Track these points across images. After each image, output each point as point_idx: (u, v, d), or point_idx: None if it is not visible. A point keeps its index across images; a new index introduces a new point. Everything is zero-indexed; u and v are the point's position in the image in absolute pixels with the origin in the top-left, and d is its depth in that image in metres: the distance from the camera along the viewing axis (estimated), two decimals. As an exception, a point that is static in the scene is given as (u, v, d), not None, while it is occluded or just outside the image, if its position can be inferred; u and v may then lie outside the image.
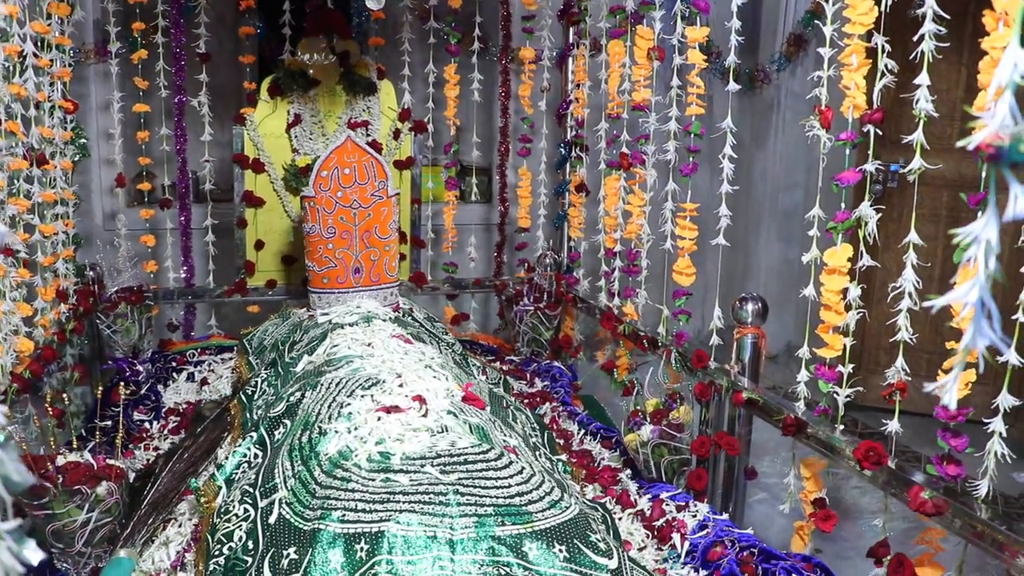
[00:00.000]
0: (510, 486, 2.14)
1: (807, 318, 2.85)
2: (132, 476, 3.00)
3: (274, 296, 4.63)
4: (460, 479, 2.11)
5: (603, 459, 3.45)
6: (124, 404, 3.39)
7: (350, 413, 2.38)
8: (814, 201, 2.83)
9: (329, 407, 2.49)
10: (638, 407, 3.33)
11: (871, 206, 2.57)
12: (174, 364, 4.31)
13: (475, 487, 2.11)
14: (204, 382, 4.12)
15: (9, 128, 3.15)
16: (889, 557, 2.43)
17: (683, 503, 3.00)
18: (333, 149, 3.61)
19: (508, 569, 1.93)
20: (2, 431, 0.78)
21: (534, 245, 5.03)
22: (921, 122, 2.37)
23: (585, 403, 4.16)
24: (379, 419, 2.31)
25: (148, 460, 3.27)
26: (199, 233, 4.81)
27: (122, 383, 3.14)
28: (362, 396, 2.47)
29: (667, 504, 3.01)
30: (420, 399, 2.41)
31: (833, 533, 3.08)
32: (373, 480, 2.11)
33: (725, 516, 2.97)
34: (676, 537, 2.83)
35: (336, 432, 2.31)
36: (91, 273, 4.26)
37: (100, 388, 3.38)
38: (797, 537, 2.93)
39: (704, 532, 2.84)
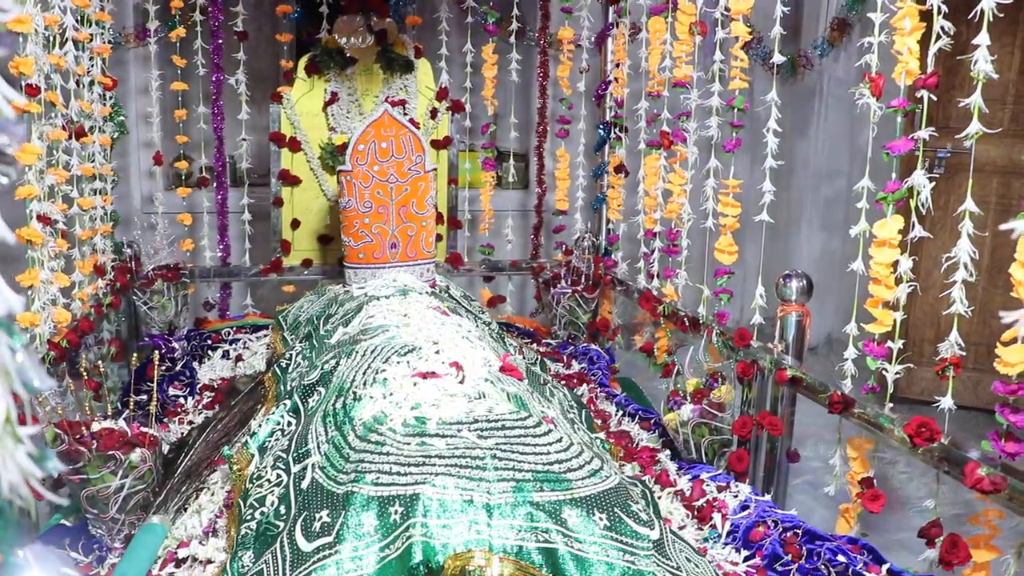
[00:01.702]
0: (549, 453, 2.08)
1: (855, 294, 2.76)
2: (166, 448, 2.99)
3: (310, 275, 4.60)
4: (498, 444, 2.06)
5: (641, 440, 3.38)
6: (159, 380, 3.39)
7: (385, 379, 2.34)
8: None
9: (364, 373, 2.44)
10: (678, 387, 3.26)
11: (925, 175, 2.48)
12: (209, 342, 4.31)
13: (513, 453, 2.05)
14: (239, 359, 4.11)
15: (49, 98, 3.14)
16: (942, 538, 2.34)
17: (724, 484, 2.93)
18: (370, 123, 3.58)
19: (547, 536, 1.87)
20: (24, 333, 0.73)
21: (572, 228, 4.97)
22: (979, 84, 2.27)
23: (623, 385, 4.09)
24: (415, 384, 2.26)
25: (182, 433, 3.26)
26: (235, 216, 4.80)
27: (157, 356, 3.11)
28: (398, 362, 2.42)
29: (707, 484, 2.93)
30: (457, 366, 2.36)
31: (879, 522, 3.00)
32: (408, 444, 2.06)
33: (767, 497, 2.90)
34: (717, 517, 2.76)
35: (371, 398, 2.27)
36: (128, 251, 4.27)
37: (136, 364, 3.38)
38: (843, 520, 2.84)
39: (746, 513, 2.77)
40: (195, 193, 4.74)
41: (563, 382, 3.72)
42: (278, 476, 2.25)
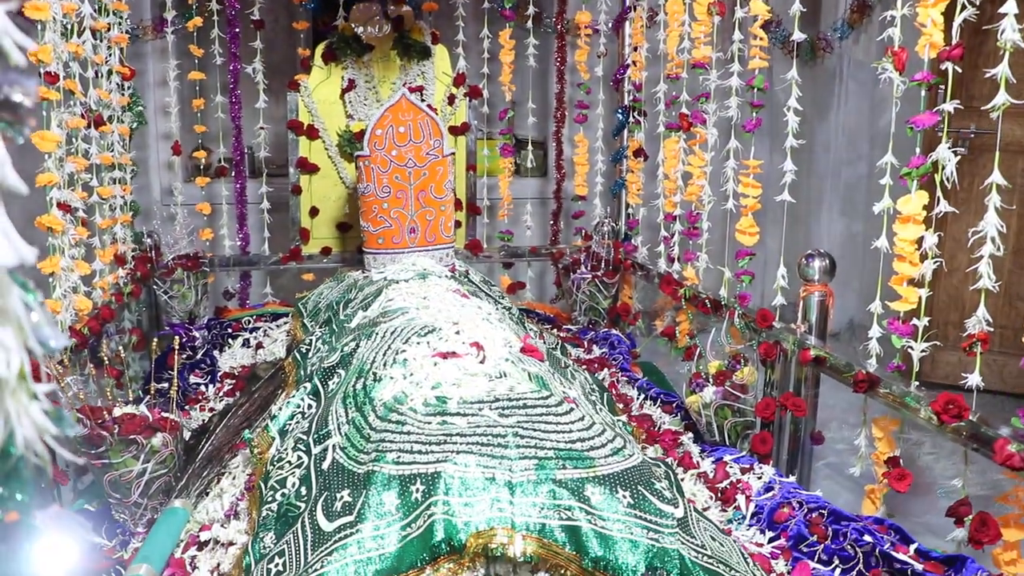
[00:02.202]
0: (571, 431, 2.06)
1: (878, 274, 2.73)
2: (188, 434, 2.99)
3: (329, 264, 4.60)
4: (519, 422, 2.04)
5: (663, 423, 3.35)
6: (180, 368, 3.39)
7: (405, 360, 2.32)
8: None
9: (384, 354, 2.43)
10: (700, 369, 3.23)
11: (949, 148, 2.44)
12: (230, 331, 4.31)
13: (535, 431, 2.03)
14: (259, 346, 4.11)
15: (67, 86, 3.14)
16: (971, 516, 2.31)
17: (747, 466, 2.90)
18: (388, 107, 3.56)
19: (570, 513, 1.85)
20: (34, 291, 0.72)
21: (591, 214, 4.94)
22: (1007, 54, 2.23)
23: (644, 370, 4.07)
24: (435, 364, 2.24)
25: (203, 420, 3.26)
26: (254, 207, 4.81)
27: (178, 342, 3.11)
28: (418, 343, 2.41)
29: (731, 467, 2.91)
30: (478, 346, 2.34)
31: (905, 506, 2.96)
32: (429, 423, 2.04)
33: (791, 479, 2.87)
34: (741, 499, 2.73)
35: (391, 378, 2.25)
36: (148, 240, 4.28)
37: (156, 352, 3.38)
38: (868, 501, 2.81)
39: (770, 494, 2.74)
40: (214, 184, 4.75)
41: (584, 367, 3.70)
42: (299, 458, 2.24)
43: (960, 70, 2.40)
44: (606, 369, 3.87)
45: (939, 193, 2.46)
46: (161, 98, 4.85)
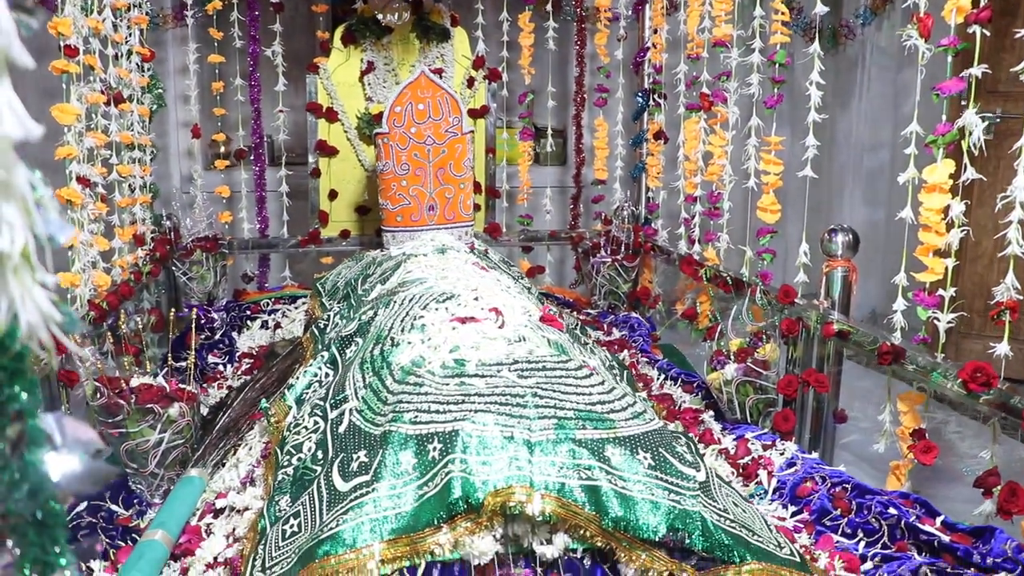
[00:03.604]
0: (591, 394, 2.03)
1: (903, 244, 2.68)
2: (205, 411, 2.98)
3: (348, 246, 4.59)
4: (538, 383, 2.01)
5: (684, 402, 3.32)
6: (198, 347, 3.39)
7: (423, 325, 2.30)
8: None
9: (402, 321, 2.41)
10: (721, 347, 3.19)
11: (976, 114, 2.39)
12: (248, 313, 4.31)
13: (554, 392, 2.00)
14: (277, 326, 4.11)
15: (87, 62, 3.14)
16: (1000, 487, 2.26)
17: (769, 442, 2.86)
18: (407, 84, 3.55)
19: (589, 473, 1.81)
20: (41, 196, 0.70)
21: (611, 198, 4.91)
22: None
23: (665, 352, 4.03)
24: (454, 329, 2.22)
25: (221, 397, 3.25)
26: (274, 195, 4.81)
27: (195, 317, 3.10)
28: (436, 309, 2.39)
29: (752, 443, 2.87)
30: (497, 311, 2.31)
31: (929, 486, 2.90)
32: (447, 384, 2.02)
33: (814, 455, 2.83)
34: (763, 474, 2.69)
35: (409, 343, 2.23)
36: (168, 223, 4.28)
37: (175, 333, 3.38)
38: (893, 477, 2.77)
39: (792, 470, 2.70)
40: (233, 171, 4.76)
41: (603, 348, 3.67)
42: (315, 423, 2.22)
43: (988, 33, 2.35)
44: (626, 351, 3.83)
45: (966, 160, 2.42)
46: (181, 86, 4.86)
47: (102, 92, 3.31)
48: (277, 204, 4.79)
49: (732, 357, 3.12)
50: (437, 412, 1.94)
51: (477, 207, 4.54)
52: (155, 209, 4.28)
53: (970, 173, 2.42)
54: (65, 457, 0.83)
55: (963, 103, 2.46)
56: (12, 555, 0.84)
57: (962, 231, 2.47)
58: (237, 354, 3.82)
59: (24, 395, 0.77)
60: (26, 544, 0.83)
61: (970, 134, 2.39)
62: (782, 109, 3.34)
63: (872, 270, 5.36)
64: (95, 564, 2.22)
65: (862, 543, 2.32)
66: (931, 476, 2.97)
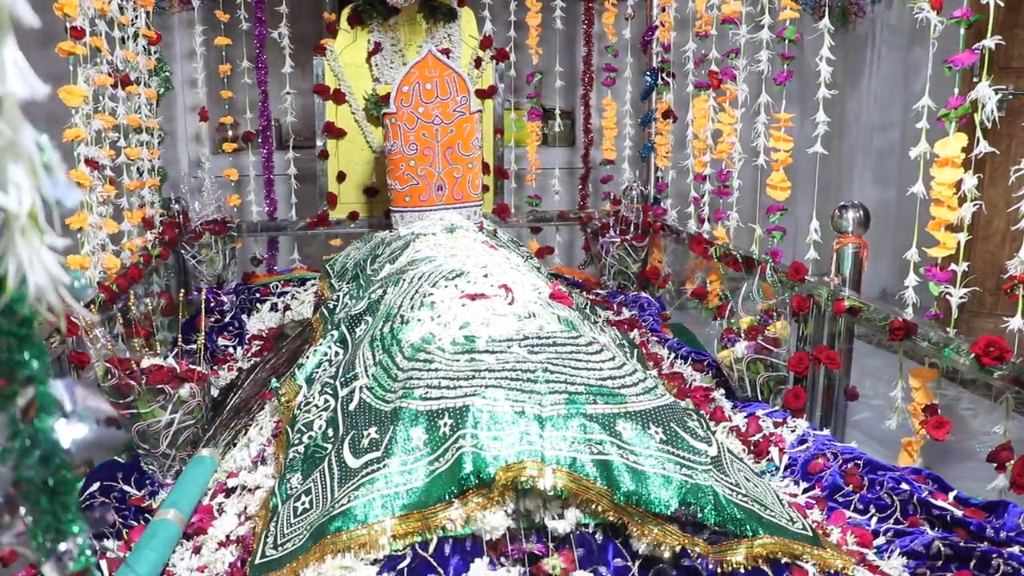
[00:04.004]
0: (602, 369, 2.02)
1: (915, 215, 2.66)
2: (216, 392, 2.99)
3: (356, 228, 4.58)
4: (549, 359, 2.01)
5: (694, 381, 3.31)
6: (208, 330, 3.39)
7: (433, 302, 2.30)
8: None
9: (412, 298, 2.41)
10: (732, 325, 3.18)
11: (990, 86, 2.36)
12: (257, 295, 4.31)
13: (565, 367, 2.00)
14: (287, 309, 4.11)
15: (94, 43, 3.14)
16: (1013, 461, 2.25)
17: (780, 420, 2.85)
18: (414, 64, 3.53)
19: (601, 447, 1.81)
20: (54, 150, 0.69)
21: (619, 178, 4.89)
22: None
23: (675, 331, 4.02)
24: (463, 306, 2.21)
25: (232, 378, 3.26)
26: (282, 179, 4.81)
27: (204, 295, 3.10)
28: (446, 286, 2.38)
29: (763, 420, 2.86)
30: (506, 288, 2.31)
31: (940, 465, 2.89)
32: (457, 360, 2.02)
33: (826, 432, 2.82)
34: (774, 451, 2.68)
35: (419, 320, 2.23)
36: (176, 206, 4.28)
37: (185, 316, 3.38)
38: (905, 454, 2.75)
39: (804, 447, 2.69)
40: (241, 156, 4.75)
41: (613, 327, 3.66)
42: (325, 401, 2.22)
43: (1001, 3, 2.32)
44: (636, 330, 3.83)
45: (979, 133, 2.39)
46: (188, 70, 4.85)
47: (109, 75, 3.31)
48: (285, 187, 4.79)
49: (742, 335, 3.11)
50: (447, 388, 1.93)
51: (486, 188, 4.53)
52: (163, 193, 4.28)
53: (983, 146, 2.39)
54: (75, 424, 0.83)
55: (975, 79, 2.43)
56: (24, 524, 0.84)
57: (975, 205, 2.45)
58: (247, 336, 3.82)
59: (34, 362, 0.77)
60: (38, 511, 0.83)
61: (983, 107, 2.37)
62: (791, 88, 3.32)
63: (882, 250, 5.33)
64: (109, 543, 2.23)
65: (874, 519, 2.32)
66: (942, 454, 2.95)
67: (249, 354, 3.61)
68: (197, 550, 2.18)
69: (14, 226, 0.66)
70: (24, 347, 0.75)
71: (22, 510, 0.84)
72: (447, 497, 1.75)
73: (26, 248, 0.67)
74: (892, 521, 2.30)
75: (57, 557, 0.86)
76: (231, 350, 3.67)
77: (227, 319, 3.97)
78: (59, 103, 2.90)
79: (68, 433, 0.82)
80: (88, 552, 0.88)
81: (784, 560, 1.82)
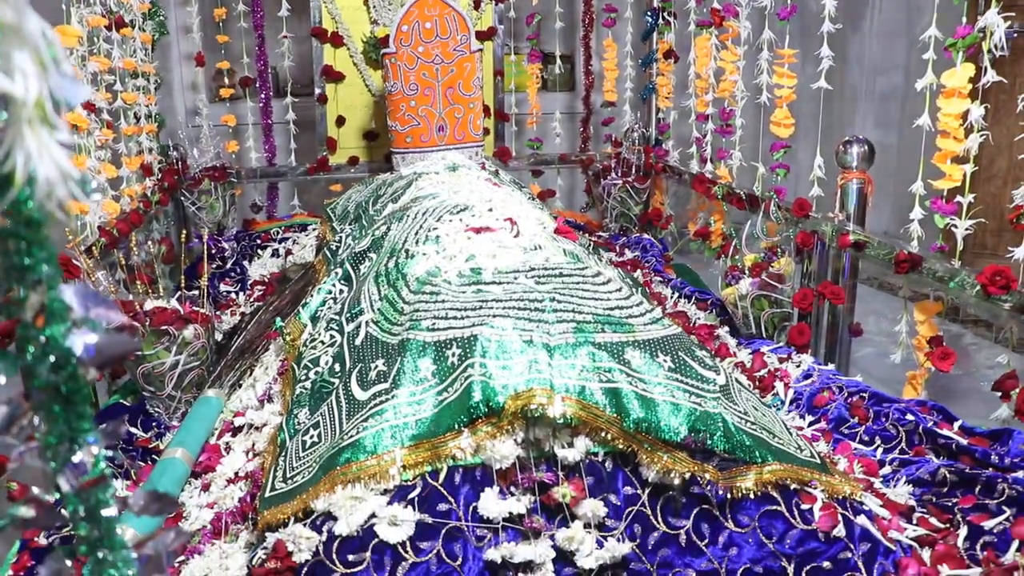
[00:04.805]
0: (609, 299, 2.02)
1: (921, 148, 2.64)
2: (220, 336, 2.98)
3: (356, 173, 4.55)
4: (556, 289, 2.00)
5: (698, 319, 3.31)
6: (210, 276, 3.38)
7: (438, 237, 2.28)
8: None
9: (416, 233, 2.39)
10: (736, 262, 3.17)
11: (998, 13, 2.33)
12: (259, 242, 4.29)
13: (572, 297, 1.99)
14: (288, 253, 4.09)
15: (86, -17, 3.09)
16: (1018, 389, 2.25)
17: (785, 355, 2.85)
18: (413, 2, 3.48)
19: (609, 375, 1.80)
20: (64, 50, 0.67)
21: (621, 120, 4.85)
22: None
23: (678, 271, 4.01)
24: (469, 239, 2.20)
25: (235, 323, 3.25)
26: (280, 127, 4.76)
27: (207, 238, 3.09)
28: (450, 220, 2.36)
29: (768, 356, 2.86)
30: (512, 221, 2.29)
31: (944, 398, 2.90)
32: (464, 292, 2.01)
33: (831, 367, 2.82)
34: (779, 385, 2.68)
35: (424, 255, 2.22)
36: (175, 153, 4.25)
37: (186, 263, 3.37)
38: (909, 387, 2.76)
39: (808, 381, 2.69)
40: (238, 105, 4.70)
41: (616, 268, 3.65)
42: (331, 337, 2.21)
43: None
44: (639, 271, 3.81)
45: (986, 62, 2.36)
46: (183, 17, 4.78)
47: (103, 16, 3.26)
48: (284, 136, 4.75)
49: (747, 272, 3.10)
50: (455, 319, 1.93)
51: (486, 131, 4.49)
52: (161, 141, 4.25)
53: (991, 75, 2.37)
54: (86, 331, 0.81)
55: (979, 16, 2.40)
56: (36, 436, 0.83)
57: (981, 136, 2.43)
58: (249, 282, 3.81)
59: (43, 265, 0.75)
60: (52, 420, 0.82)
61: (991, 35, 2.34)
62: (791, 29, 3.27)
63: (884, 193, 5.30)
64: (118, 483, 2.23)
65: (880, 449, 2.32)
66: (945, 387, 2.96)
67: (252, 299, 3.60)
68: (206, 487, 2.19)
69: (21, 116, 0.64)
70: (33, 250, 0.74)
71: (35, 420, 0.83)
72: (456, 426, 1.74)
73: (34, 140, 0.65)
74: (897, 451, 2.30)
75: (72, 467, 0.85)
76: (233, 295, 3.66)
77: (228, 265, 3.96)
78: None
79: (79, 340, 0.81)
80: (103, 463, 0.87)
81: (793, 486, 1.83)
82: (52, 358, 0.79)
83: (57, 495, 0.84)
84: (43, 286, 0.76)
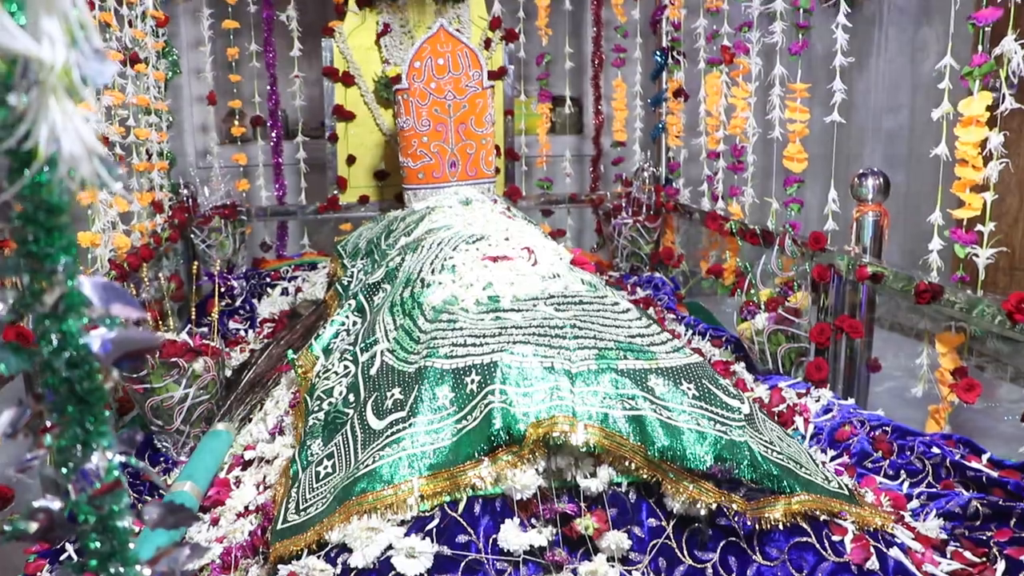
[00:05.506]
0: (630, 327, 1.98)
1: (939, 177, 2.61)
2: (229, 372, 2.94)
3: (367, 212, 4.54)
4: (576, 316, 1.96)
5: (714, 356, 3.26)
6: (219, 313, 3.35)
7: (454, 266, 2.25)
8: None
9: (432, 263, 2.36)
10: (751, 298, 3.13)
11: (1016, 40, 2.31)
12: (268, 280, 4.26)
13: (593, 324, 1.95)
14: (298, 291, 4.06)
15: (103, 18, 3.10)
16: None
17: (803, 391, 2.80)
18: (426, 39, 3.48)
19: (633, 403, 1.75)
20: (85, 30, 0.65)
21: (630, 160, 4.84)
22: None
23: (690, 309, 3.97)
24: (486, 267, 2.17)
25: (244, 359, 3.21)
26: (290, 168, 4.76)
27: (217, 277, 3.06)
28: (467, 249, 2.33)
29: (786, 392, 2.81)
30: (529, 250, 2.26)
31: (968, 431, 2.84)
32: (482, 319, 1.97)
33: (851, 401, 2.76)
34: (799, 420, 2.63)
35: (440, 284, 2.18)
36: (185, 191, 4.24)
37: (195, 300, 3.33)
38: (932, 422, 2.70)
39: (829, 416, 2.64)
40: (249, 144, 4.71)
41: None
42: (345, 368, 2.17)
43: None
44: (651, 308, 3.77)
45: (1004, 88, 2.34)
46: (195, 60, 4.81)
47: (118, 51, 3.27)
48: (295, 176, 4.75)
49: (762, 307, 3.06)
50: (473, 346, 1.88)
51: (497, 170, 4.48)
52: (171, 179, 4.24)
53: (1009, 102, 2.35)
54: (103, 328, 0.78)
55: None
56: (49, 440, 0.79)
57: (1001, 163, 2.40)
58: (258, 320, 3.78)
59: (62, 256, 0.71)
60: (66, 421, 0.78)
61: (1008, 62, 2.32)
62: (801, 66, 3.27)
63: (892, 231, 5.27)
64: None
65: (906, 483, 2.26)
66: (962, 426, 2.90)
67: (261, 336, 3.57)
68: (215, 522, 2.13)
69: (47, 84, 0.61)
70: (53, 239, 0.70)
71: (46, 422, 0.79)
72: (476, 455, 1.69)
73: (59, 111, 0.62)
74: (924, 485, 2.25)
75: (83, 474, 0.81)
76: (243, 333, 3.63)
77: (238, 303, 3.93)
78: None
79: (97, 337, 0.77)
80: (117, 470, 0.83)
81: (823, 518, 1.77)
82: (68, 354, 0.75)
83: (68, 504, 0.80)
84: (61, 277, 0.73)
